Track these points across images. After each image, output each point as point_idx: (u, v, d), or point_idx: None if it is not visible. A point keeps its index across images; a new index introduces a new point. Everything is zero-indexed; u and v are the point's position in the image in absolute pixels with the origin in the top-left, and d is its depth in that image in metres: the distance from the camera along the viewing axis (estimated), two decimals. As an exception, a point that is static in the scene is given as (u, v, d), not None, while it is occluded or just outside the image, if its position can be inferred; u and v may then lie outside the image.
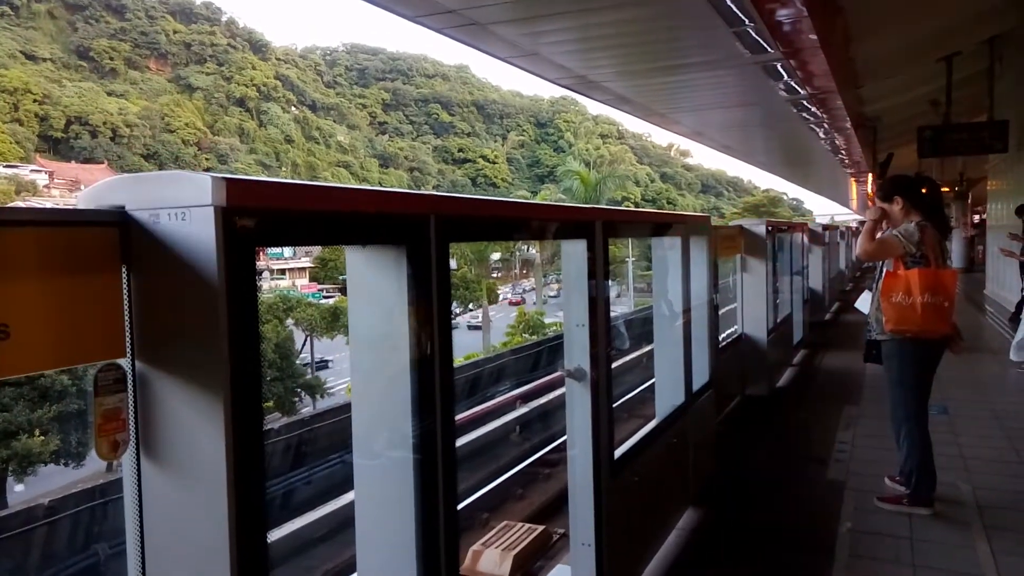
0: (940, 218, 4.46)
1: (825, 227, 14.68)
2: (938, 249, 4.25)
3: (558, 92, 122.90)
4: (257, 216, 1.36)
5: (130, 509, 1.46)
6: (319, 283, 62.54)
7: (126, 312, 1.39)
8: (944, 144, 12.25)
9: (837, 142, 18.10)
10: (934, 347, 4.31)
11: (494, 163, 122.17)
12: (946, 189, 21.00)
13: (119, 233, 1.38)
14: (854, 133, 16.16)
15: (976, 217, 26.52)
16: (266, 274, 65.03)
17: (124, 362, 1.41)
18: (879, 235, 4.49)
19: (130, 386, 1.41)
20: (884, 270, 4.42)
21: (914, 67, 12.76)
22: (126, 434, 1.42)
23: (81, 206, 1.44)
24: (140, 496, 1.44)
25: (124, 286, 1.39)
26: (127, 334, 1.39)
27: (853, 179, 24.53)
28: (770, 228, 7.64)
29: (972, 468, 5.10)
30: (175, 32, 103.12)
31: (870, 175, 18.44)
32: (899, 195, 4.39)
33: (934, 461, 4.37)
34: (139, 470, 1.44)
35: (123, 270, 1.39)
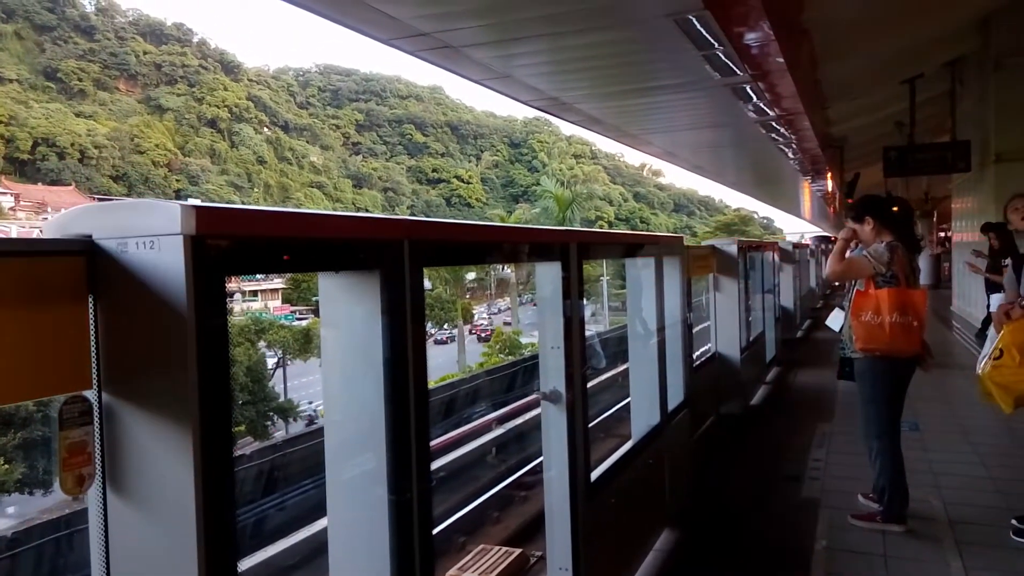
0: (910, 237, 4.54)
1: (795, 245, 14.88)
2: (908, 269, 4.32)
3: (531, 113, 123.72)
4: (228, 245, 1.34)
5: (96, 545, 1.42)
6: (292, 304, 61.99)
7: (93, 343, 1.36)
8: (909, 164, 12.52)
9: (801, 144, 18.15)
10: (905, 365, 4.37)
11: (468, 183, 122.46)
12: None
13: (86, 262, 1.35)
14: (819, 148, 16.40)
15: (941, 234, 27.05)
16: (238, 296, 64.27)
17: (90, 394, 1.37)
18: (849, 254, 4.56)
19: (96, 418, 1.38)
20: (855, 288, 4.48)
21: (879, 89, 13.07)
22: (92, 468, 1.38)
23: (47, 235, 1.42)
24: (106, 532, 1.41)
25: (91, 316, 1.36)
26: (93, 365, 1.37)
27: (806, 183, 23.35)
28: (742, 247, 7.72)
29: (943, 484, 5.16)
30: (145, 53, 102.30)
31: (828, 175, 18.45)
32: (870, 215, 4.46)
33: (906, 478, 4.42)
34: (105, 505, 1.40)
35: (90, 300, 1.36)
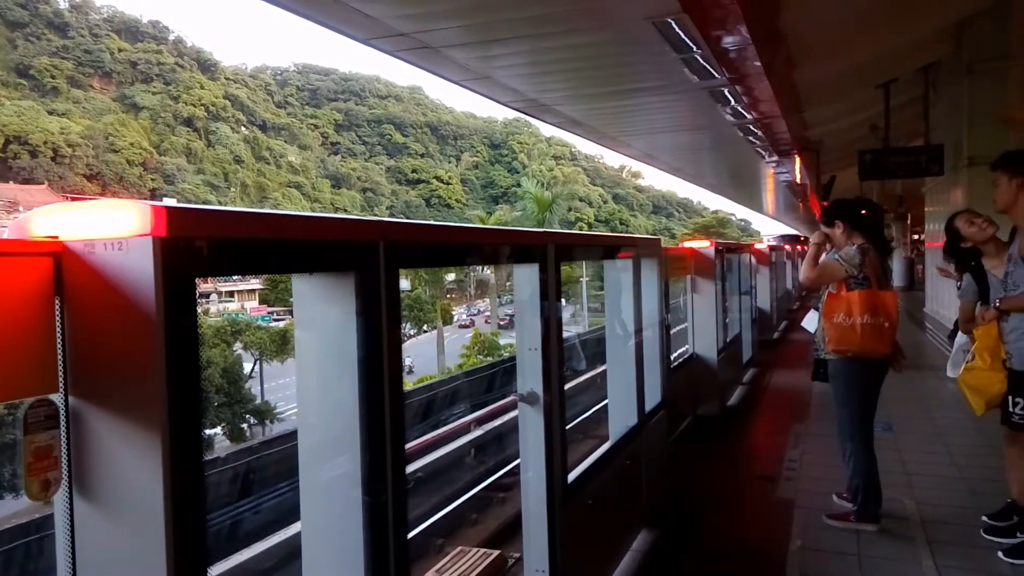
0: (880, 239, 4.60)
1: (771, 247, 15.03)
2: (880, 270, 4.38)
3: (511, 114, 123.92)
4: (197, 246, 1.32)
5: (62, 550, 1.39)
6: (269, 305, 61.50)
7: (59, 346, 1.34)
8: (883, 167, 12.68)
9: (777, 148, 18.14)
10: (877, 366, 4.43)
11: (448, 184, 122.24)
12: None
13: (53, 264, 1.33)
14: (796, 151, 16.50)
15: (916, 237, 27.41)
16: (214, 296, 63.67)
17: (57, 397, 1.35)
18: (822, 258, 4.61)
19: (63, 422, 1.35)
20: (828, 291, 4.53)
21: (854, 93, 13.22)
22: (58, 472, 1.36)
23: (13, 236, 1.39)
24: (73, 537, 1.38)
25: (57, 319, 1.33)
26: (60, 369, 1.34)
27: (771, 171, 22.70)
28: (719, 249, 7.78)
29: (916, 484, 5.23)
30: (120, 50, 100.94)
31: (796, 158, 18.40)
32: (840, 219, 4.52)
33: (880, 478, 4.47)
34: (72, 510, 1.38)
35: (56, 303, 1.33)
